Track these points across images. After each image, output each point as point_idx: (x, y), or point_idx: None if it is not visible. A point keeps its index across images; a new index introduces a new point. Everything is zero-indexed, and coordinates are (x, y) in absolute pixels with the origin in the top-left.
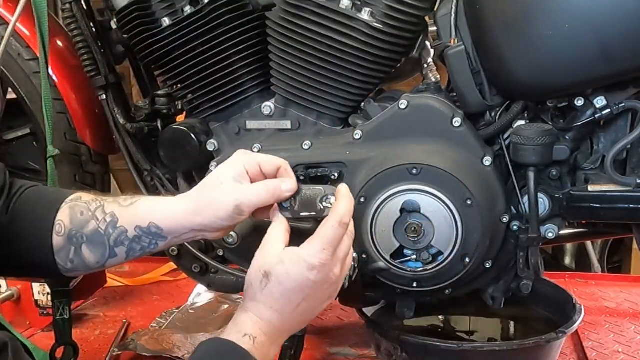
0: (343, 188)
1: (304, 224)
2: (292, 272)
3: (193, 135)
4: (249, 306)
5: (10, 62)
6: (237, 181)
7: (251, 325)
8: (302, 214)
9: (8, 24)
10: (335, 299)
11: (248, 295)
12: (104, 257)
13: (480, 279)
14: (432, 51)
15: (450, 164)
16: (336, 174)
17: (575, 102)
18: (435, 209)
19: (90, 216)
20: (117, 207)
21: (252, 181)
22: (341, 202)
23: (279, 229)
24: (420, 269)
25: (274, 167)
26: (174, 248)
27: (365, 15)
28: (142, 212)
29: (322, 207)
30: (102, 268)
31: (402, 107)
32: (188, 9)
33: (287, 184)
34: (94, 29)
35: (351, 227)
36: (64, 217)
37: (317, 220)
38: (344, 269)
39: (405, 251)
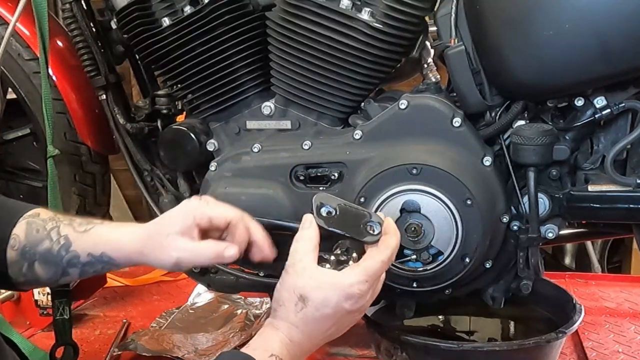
0: (393, 223)
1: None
2: (330, 299)
3: (193, 135)
4: (280, 325)
5: (10, 62)
6: (184, 235)
7: (279, 345)
8: (338, 230)
9: (8, 24)
10: None
11: (279, 314)
12: (57, 275)
13: (480, 279)
14: (432, 51)
15: (450, 164)
16: (336, 174)
17: (575, 102)
18: (435, 209)
19: (45, 235)
20: (72, 231)
21: (201, 234)
22: (393, 239)
23: (309, 243)
24: (420, 269)
25: (224, 222)
26: None
27: (365, 15)
28: (95, 240)
29: (363, 232)
30: (55, 284)
31: (402, 107)
32: (188, 9)
33: (231, 251)
34: (94, 29)
35: None
36: (19, 231)
37: (351, 239)
38: (373, 298)
39: (405, 251)
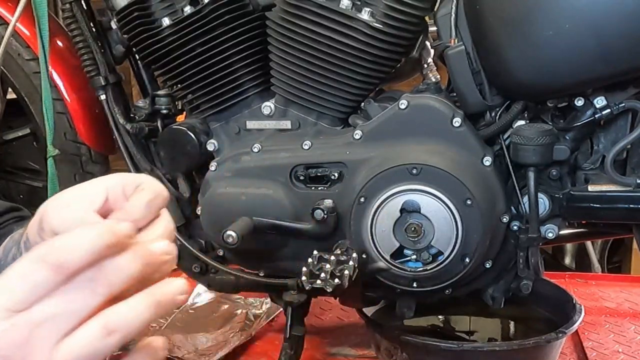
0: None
1: None
2: None
3: (193, 135)
4: None
5: (10, 62)
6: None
7: None
8: None
9: (8, 24)
10: (336, 298)
11: None
12: None
13: (480, 279)
14: (432, 51)
15: (450, 164)
16: (336, 174)
17: (575, 102)
18: (435, 209)
19: (17, 241)
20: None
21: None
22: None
23: None
24: (420, 269)
25: (133, 185)
26: None
27: (365, 15)
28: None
29: None
30: None
31: (402, 107)
32: (188, 9)
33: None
34: (94, 29)
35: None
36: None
37: None
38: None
39: (405, 251)
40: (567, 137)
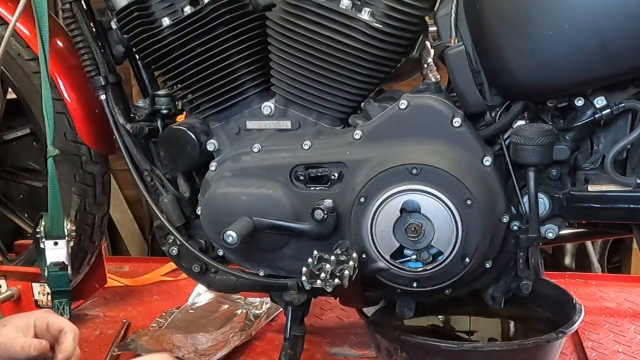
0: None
1: None
2: None
3: (193, 135)
4: None
5: (10, 62)
6: (19, 330)
7: None
8: None
9: (8, 24)
10: (336, 298)
11: None
12: None
13: (480, 279)
14: (432, 51)
15: (450, 164)
16: (336, 174)
17: (575, 102)
18: (435, 209)
19: None
20: None
21: (36, 336)
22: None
23: None
24: (420, 269)
25: (58, 328)
26: (173, 248)
27: (365, 15)
28: None
29: None
30: None
31: (402, 107)
32: (188, 9)
33: (39, 344)
34: (94, 29)
35: None
36: None
37: None
38: None
39: (405, 251)
40: (567, 137)
